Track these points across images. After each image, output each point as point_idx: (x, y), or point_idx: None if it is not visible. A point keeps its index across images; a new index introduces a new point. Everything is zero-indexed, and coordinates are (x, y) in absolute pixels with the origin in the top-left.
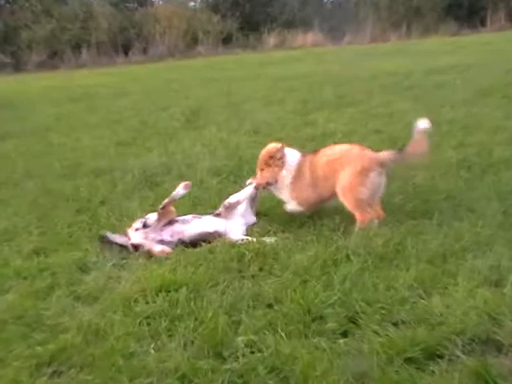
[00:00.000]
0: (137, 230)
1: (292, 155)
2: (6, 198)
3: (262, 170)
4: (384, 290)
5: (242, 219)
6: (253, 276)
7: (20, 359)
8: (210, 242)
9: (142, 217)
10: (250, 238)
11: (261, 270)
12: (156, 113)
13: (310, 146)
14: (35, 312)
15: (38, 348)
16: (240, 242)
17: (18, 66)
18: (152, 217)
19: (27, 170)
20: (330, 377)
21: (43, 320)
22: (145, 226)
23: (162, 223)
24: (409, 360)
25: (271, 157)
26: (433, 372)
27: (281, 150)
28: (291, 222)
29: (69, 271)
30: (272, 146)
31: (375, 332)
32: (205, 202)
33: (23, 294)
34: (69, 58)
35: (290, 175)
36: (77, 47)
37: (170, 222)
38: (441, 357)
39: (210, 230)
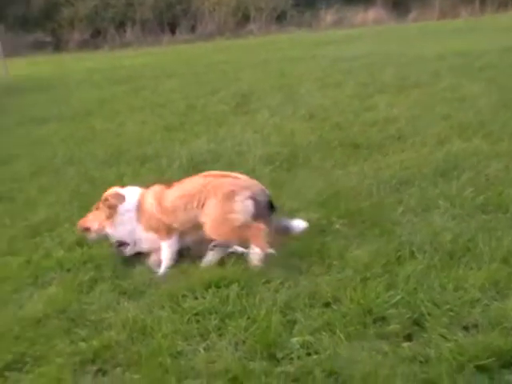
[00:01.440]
0: None
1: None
2: (46, 185)
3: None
4: (453, 290)
5: None
6: (309, 273)
7: (63, 356)
8: None
9: None
10: None
11: (318, 266)
12: (204, 96)
13: (371, 131)
14: (78, 306)
15: (82, 344)
16: None
17: (58, 45)
18: None
19: (69, 156)
20: None
21: (87, 315)
22: None
23: None
24: (481, 368)
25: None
26: (508, 382)
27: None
28: (351, 214)
29: (113, 264)
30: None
31: (443, 336)
32: None
33: (66, 287)
34: (112, 37)
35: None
36: (121, 25)
37: None
38: None
39: None
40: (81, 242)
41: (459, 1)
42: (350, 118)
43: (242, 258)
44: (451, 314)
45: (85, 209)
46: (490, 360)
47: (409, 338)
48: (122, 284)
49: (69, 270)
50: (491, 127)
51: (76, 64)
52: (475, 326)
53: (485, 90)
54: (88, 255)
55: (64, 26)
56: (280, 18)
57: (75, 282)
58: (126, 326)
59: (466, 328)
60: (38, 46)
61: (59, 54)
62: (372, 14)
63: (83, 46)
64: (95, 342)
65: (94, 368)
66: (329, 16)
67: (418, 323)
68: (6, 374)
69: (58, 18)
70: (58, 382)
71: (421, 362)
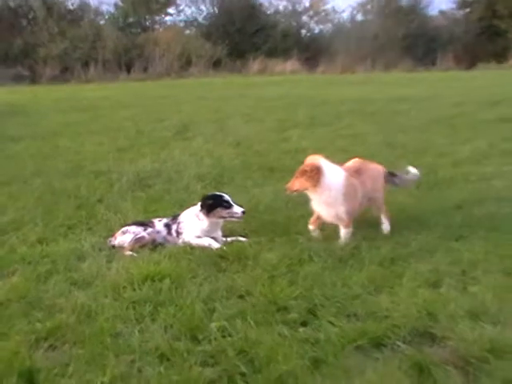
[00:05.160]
0: None
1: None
2: (15, 193)
3: (296, 177)
4: (340, 287)
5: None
6: (227, 271)
7: (21, 334)
8: None
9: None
10: (228, 239)
11: (235, 265)
12: (151, 124)
13: (285, 158)
14: (36, 293)
15: (37, 324)
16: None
17: (34, 79)
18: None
19: (36, 169)
20: (291, 361)
21: (43, 301)
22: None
23: None
24: (358, 348)
25: (305, 171)
26: (377, 359)
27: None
28: (265, 225)
29: (67, 259)
30: (311, 159)
31: (331, 323)
32: (190, 204)
33: (26, 277)
34: (78, 73)
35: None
36: (86, 64)
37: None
38: (385, 346)
39: None
40: (41, 241)
41: (356, 60)
42: (268, 147)
43: (175, 255)
44: (338, 305)
45: (46, 213)
46: (365, 342)
47: (304, 324)
48: (73, 276)
49: (29, 263)
50: (377, 160)
51: (47, 94)
52: (355, 315)
53: (373, 131)
54: (46, 251)
55: (39, 62)
56: (216, 64)
57: (34, 274)
58: (75, 310)
59: (348, 316)
60: (17, 79)
61: (34, 85)
62: (289, 65)
63: (54, 79)
64: (48, 323)
65: (47, 344)
66: (255, 65)
67: (312, 313)
68: None
69: (35, 56)
70: (15, 355)
71: (312, 343)
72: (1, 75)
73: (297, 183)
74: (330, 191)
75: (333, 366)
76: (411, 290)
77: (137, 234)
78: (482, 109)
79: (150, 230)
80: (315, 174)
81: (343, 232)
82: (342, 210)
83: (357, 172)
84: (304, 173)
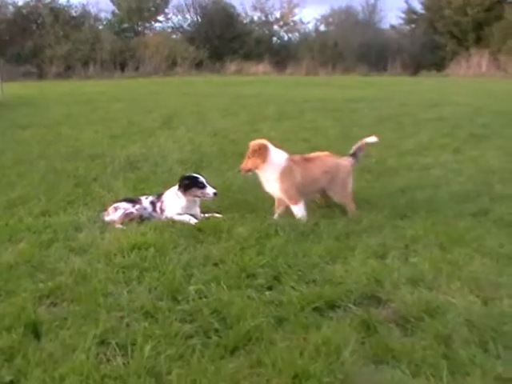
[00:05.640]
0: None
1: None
2: (23, 172)
3: (248, 157)
4: (301, 257)
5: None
6: (204, 242)
7: (27, 292)
8: None
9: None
10: (206, 215)
11: (211, 237)
12: (141, 115)
13: None
14: (40, 258)
15: (41, 284)
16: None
17: (41, 75)
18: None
19: (41, 152)
20: (257, 319)
21: (45, 264)
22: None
23: None
24: (315, 309)
25: (255, 149)
26: (331, 318)
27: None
28: (237, 203)
29: (66, 229)
30: (257, 141)
31: (293, 288)
32: (172, 184)
33: (32, 244)
34: (79, 71)
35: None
36: (86, 63)
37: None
38: (338, 307)
39: None
40: (44, 213)
41: (319, 64)
42: (241, 137)
43: (159, 228)
44: (299, 273)
45: (49, 190)
46: (321, 304)
47: (270, 288)
48: (71, 244)
49: (34, 232)
50: (335, 149)
51: (52, 89)
52: (314, 281)
53: (332, 125)
54: (48, 222)
55: (46, 62)
56: (198, 65)
57: (38, 241)
58: (72, 273)
59: (308, 282)
60: (27, 75)
61: (41, 81)
62: (261, 67)
63: (58, 76)
64: (50, 284)
65: (49, 301)
66: (232, 66)
67: (277, 279)
68: None
69: (42, 56)
70: (22, 309)
71: (276, 304)
72: (13, 72)
73: (249, 163)
74: (272, 168)
75: (293, 324)
76: (362, 260)
77: (126, 210)
78: (423, 109)
79: (138, 206)
80: (264, 150)
81: (293, 209)
82: (276, 186)
83: (305, 159)
84: (254, 151)
